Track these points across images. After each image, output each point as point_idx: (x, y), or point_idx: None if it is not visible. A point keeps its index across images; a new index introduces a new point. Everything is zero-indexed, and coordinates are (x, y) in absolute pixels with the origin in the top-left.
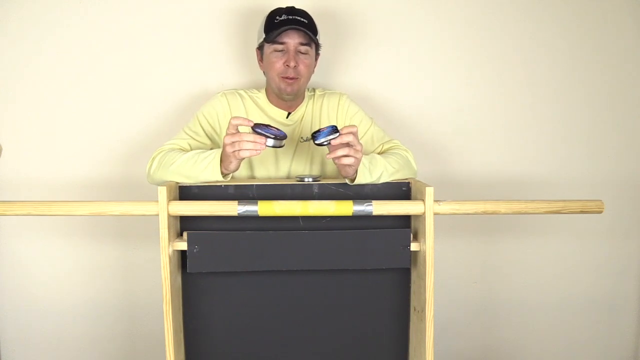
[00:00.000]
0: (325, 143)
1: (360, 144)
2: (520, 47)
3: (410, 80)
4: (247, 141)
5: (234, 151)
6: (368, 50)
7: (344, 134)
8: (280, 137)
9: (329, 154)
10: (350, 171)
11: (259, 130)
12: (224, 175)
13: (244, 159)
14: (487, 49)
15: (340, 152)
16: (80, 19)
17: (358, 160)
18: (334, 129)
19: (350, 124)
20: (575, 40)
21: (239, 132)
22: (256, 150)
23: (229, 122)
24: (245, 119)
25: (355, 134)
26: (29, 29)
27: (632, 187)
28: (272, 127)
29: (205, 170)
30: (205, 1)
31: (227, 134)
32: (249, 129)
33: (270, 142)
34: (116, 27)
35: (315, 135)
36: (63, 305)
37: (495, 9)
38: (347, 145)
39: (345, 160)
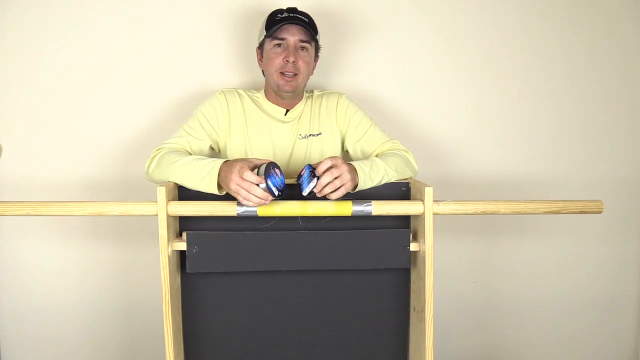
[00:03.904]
0: (312, 192)
1: (343, 165)
2: (521, 47)
3: (410, 81)
4: (256, 196)
5: (237, 195)
6: (368, 50)
7: (321, 175)
8: (281, 191)
9: (318, 193)
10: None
11: (269, 184)
12: (220, 188)
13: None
14: (488, 49)
15: (328, 190)
16: (80, 19)
17: (347, 182)
18: (311, 172)
19: (350, 123)
20: (575, 41)
21: (249, 180)
22: (260, 205)
23: (240, 172)
24: (258, 177)
25: (332, 168)
26: (29, 30)
27: (631, 187)
28: (277, 169)
29: (202, 181)
30: (205, 1)
31: (236, 174)
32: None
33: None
34: (116, 27)
35: (299, 183)
36: (63, 306)
37: (495, 10)
38: (329, 183)
39: (336, 194)
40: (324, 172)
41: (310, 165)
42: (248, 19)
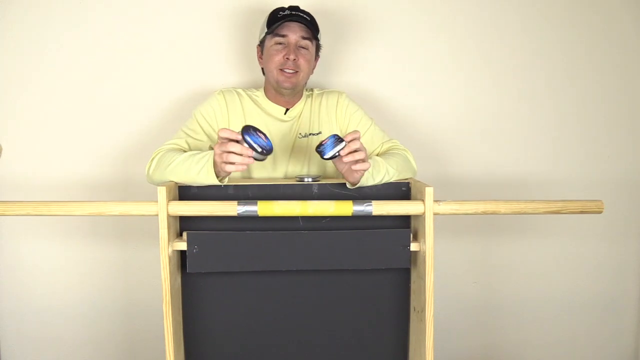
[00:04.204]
0: (335, 155)
1: (365, 148)
2: (520, 47)
3: (410, 80)
4: (234, 153)
5: (221, 162)
6: (369, 50)
7: (350, 141)
8: (266, 149)
9: (345, 156)
10: (359, 176)
11: (246, 138)
12: (220, 177)
13: (230, 173)
14: (487, 49)
15: (358, 156)
16: (81, 19)
17: (366, 158)
18: (337, 138)
19: (350, 122)
20: (575, 41)
21: (225, 137)
22: (242, 165)
23: (218, 133)
24: (233, 132)
25: (359, 139)
26: (31, 30)
27: (631, 187)
28: (259, 132)
29: (199, 173)
30: (205, 1)
31: (217, 143)
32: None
33: (254, 154)
34: (116, 27)
35: (320, 150)
36: (63, 306)
37: (496, 11)
38: (356, 151)
39: (361, 166)
40: (352, 140)
41: (336, 134)
42: (248, 19)
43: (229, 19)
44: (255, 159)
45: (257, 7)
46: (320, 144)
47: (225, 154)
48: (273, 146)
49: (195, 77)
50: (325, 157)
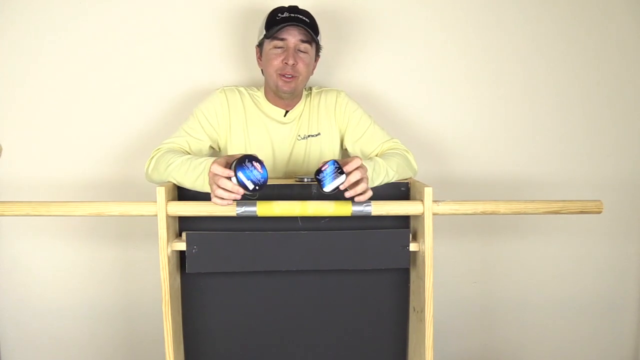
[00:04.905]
0: (336, 189)
1: (365, 168)
2: (520, 47)
3: (411, 80)
4: (223, 189)
5: (212, 194)
6: (369, 50)
7: (350, 173)
8: (259, 185)
9: (346, 193)
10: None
11: (238, 176)
12: None
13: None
14: (488, 49)
15: (360, 189)
16: (80, 19)
17: (369, 194)
18: (337, 168)
19: (349, 121)
20: (575, 40)
21: (216, 173)
22: (228, 201)
23: (211, 168)
24: (225, 169)
25: (360, 167)
26: (29, 30)
27: (631, 187)
28: (256, 162)
29: (196, 180)
30: (204, 0)
31: (210, 171)
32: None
33: (245, 192)
34: (116, 27)
35: (319, 179)
36: (63, 306)
37: (496, 10)
38: (356, 183)
39: (363, 197)
40: (353, 171)
41: (335, 161)
42: (247, 17)
43: (228, 18)
44: (247, 195)
45: (256, 5)
46: (320, 171)
47: (215, 186)
48: (268, 177)
49: (195, 76)
50: (324, 189)
